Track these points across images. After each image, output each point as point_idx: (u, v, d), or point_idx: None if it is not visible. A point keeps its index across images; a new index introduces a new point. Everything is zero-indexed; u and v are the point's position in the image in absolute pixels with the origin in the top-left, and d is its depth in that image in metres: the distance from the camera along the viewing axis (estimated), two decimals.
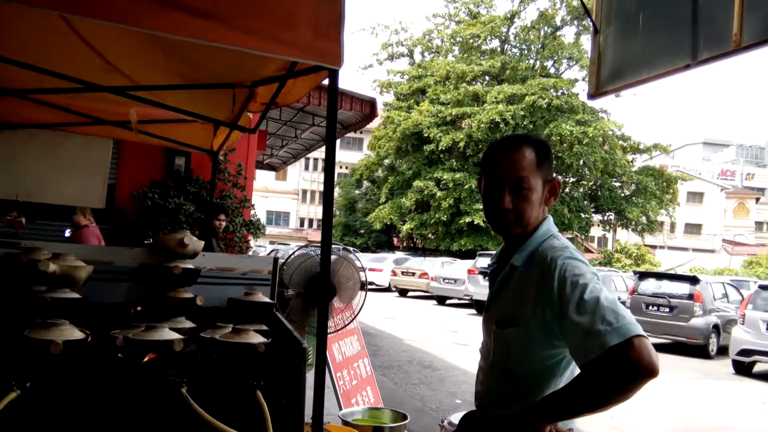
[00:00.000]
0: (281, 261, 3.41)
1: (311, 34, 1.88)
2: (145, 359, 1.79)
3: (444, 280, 19.27)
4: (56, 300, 1.89)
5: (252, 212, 8.33)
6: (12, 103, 3.86)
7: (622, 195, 30.81)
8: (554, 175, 1.68)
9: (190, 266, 2.44)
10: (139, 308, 2.33)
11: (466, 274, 18.13)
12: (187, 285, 2.44)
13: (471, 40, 32.77)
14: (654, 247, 40.16)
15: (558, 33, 32.41)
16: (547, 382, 1.55)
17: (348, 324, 4.36)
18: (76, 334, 1.71)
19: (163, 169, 7.36)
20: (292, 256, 3.89)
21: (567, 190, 30.74)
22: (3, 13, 2.69)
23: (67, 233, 6.61)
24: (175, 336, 1.84)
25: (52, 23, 2.84)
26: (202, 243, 2.55)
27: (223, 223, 6.12)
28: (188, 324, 2.29)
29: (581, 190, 30.94)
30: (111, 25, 1.81)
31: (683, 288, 12.53)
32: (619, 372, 1.32)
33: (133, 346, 1.80)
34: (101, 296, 2.35)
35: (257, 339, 1.90)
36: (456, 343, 11.10)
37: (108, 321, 2.05)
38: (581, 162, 27.65)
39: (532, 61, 32.71)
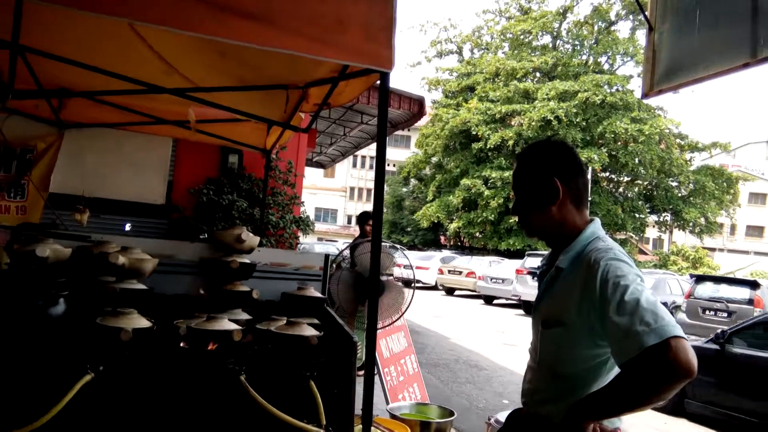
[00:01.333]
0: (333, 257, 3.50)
1: (362, 37, 1.94)
2: (211, 349, 1.89)
3: (491, 279, 19.08)
4: (125, 290, 2.02)
5: (302, 209, 8.49)
6: (80, 104, 4.09)
7: (679, 195, 29.74)
8: (553, 176, 1.68)
9: (247, 261, 2.55)
10: (204, 293, 2.44)
11: (515, 274, 17.91)
12: (243, 279, 2.55)
13: (522, 36, 32.30)
14: (712, 249, 38.59)
15: (612, 28, 31.56)
16: (592, 381, 1.57)
17: (395, 321, 4.41)
18: (144, 323, 1.83)
19: (218, 166, 7.59)
20: (363, 244, 3.98)
21: (621, 189, 29.92)
22: (73, 20, 2.86)
23: (128, 227, 6.92)
24: (234, 327, 1.93)
25: (119, 29, 3.01)
26: (258, 239, 2.66)
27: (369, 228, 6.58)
28: (245, 316, 2.41)
29: (636, 189, 30.05)
30: (173, 31, 1.91)
31: (743, 293, 12.04)
32: (656, 372, 1.34)
33: (195, 335, 1.90)
34: (165, 288, 2.48)
35: (310, 332, 1.98)
36: (503, 344, 11.01)
37: (172, 311, 2.17)
38: (636, 161, 26.86)
39: (585, 57, 31.98)
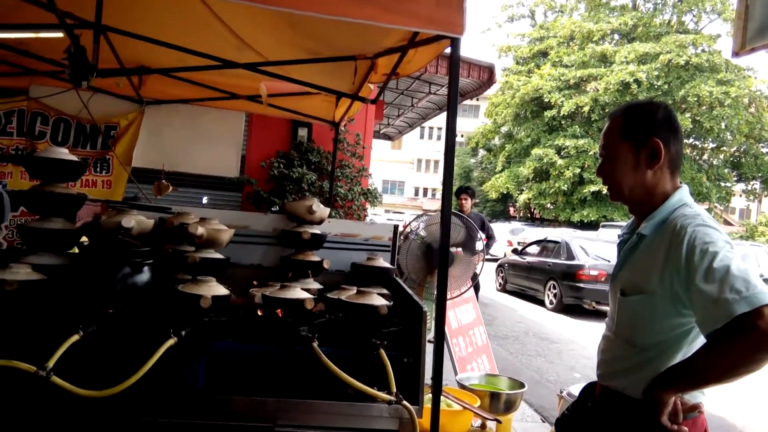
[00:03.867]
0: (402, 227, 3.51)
1: (433, 3, 1.90)
2: (284, 316, 1.95)
3: None
4: (204, 260, 2.10)
5: (370, 181, 8.54)
6: (158, 81, 4.26)
7: None
8: (656, 136, 1.60)
9: (318, 232, 2.60)
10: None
11: None
12: (314, 249, 2.60)
13: None
14: None
15: None
16: (672, 352, 1.51)
17: (464, 292, 4.40)
18: (222, 291, 1.91)
19: (288, 140, 7.73)
20: (431, 215, 3.99)
21: (705, 156, 28.23)
22: None
23: (205, 200, 7.22)
24: (306, 295, 1.98)
25: (193, 5, 3.09)
26: (328, 210, 2.70)
27: (466, 202, 6.96)
28: (316, 285, 2.46)
29: (722, 156, 28.24)
30: (246, 4, 1.93)
31: None
32: (747, 341, 1.28)
33: (270, 302, 1.97)
34: (240, 257, 2.58)
35: (380, 301, 2.00)
36: (575, 317, 10.76)
37: (247, 279, 2.25)
38: (722, 125, 25.19)
39: (667, 17, 30.03)
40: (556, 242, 12.46)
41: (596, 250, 11.84)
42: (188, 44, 3.32)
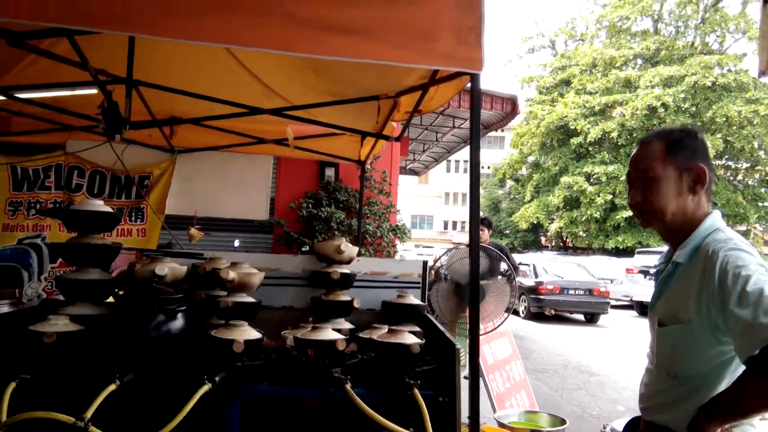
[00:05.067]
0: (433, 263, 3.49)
1: (452, 41, 1.93)
2: (317, 358, 1.95)
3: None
4: (236, 304, 2.12)
5: (398, 217, 8.56)
6: (188, 130, 4.39)
7: None
8: (700, 162, 1.59)
9: (347, 271, 2.61)
10: (311, 318, 2.51)
11: (625, 273, 16.97)
12: (344, 288, 2.60)
13: (619, 23, 30.76)
14: None
15: (719, 4, 29.24)
16: (714, 383, 1.46)
17: (498, 326, 4.33)
18: (254, 334, 1.92)
19: (316, 180, 7.84)
20: (450, 253, 3.97)
21: (740, 177, 27.57)
22: (178, 51, 3.07)
23: (236, 244, 7.32)
24: (338, 336, 1.97)
25: (220, 56, 3.20)
26: (356, 249, 2.71)
27: (483, 233, 6.64)
28: (347, 325, 2.46)
29: (757, 176, 27.54)
30: (271, 52, 2.00)
31: None
32: None
33: (302, 344, 1.97)
34: (271, 300, 2.59)
35: (412, 339, 1.98)
36: (616, 348, 10.46)
37: (279, 322, 2.26)
38: (755, 145, 24.66)
39: (690, 38, 29.86)
40: (527, 265, 15.18)
41: (556, 270, 15.28)
42: (216, 93, 3.43)
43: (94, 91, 3.22)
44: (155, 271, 2.14)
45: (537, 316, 14.32)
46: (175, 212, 4.90)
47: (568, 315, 14.72)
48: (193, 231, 4.66)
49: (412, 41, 1.88)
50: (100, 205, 2.11)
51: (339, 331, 2.15)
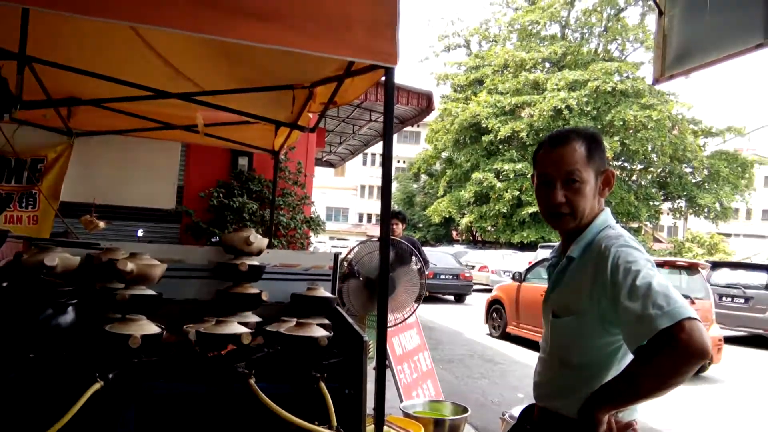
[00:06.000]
0: (343, 255, 3.49)
1: (367, 33, 1.93)
2: (220, 352, 1.89)
3: (505, 272, 19.04)
4: (134, 297, 2.02)
5: (312, 209, 8.48)
6: (89, 112, 4.11)
7: (693, 181, 29.39)
8: (607, 165, 1.69)
9: (256, 263, 2.55)
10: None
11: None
12: (252, 281, 2.54)
13: (530, 27, 32.09)
14: (728, 235, 38.08)
15: (621, 15, 31.22)
16: (604, 371, 1.55)
17: (408, 318, 4.40)
18: (153, 329, 1.83)
19: (228, 169, 7.61)
20: (356, 249, 3.97)
21: (634, 177, 29.62)
22: (79, 28, 2.87)
23: (140, 233, 6.97)
24: (243, 330, 1.93)
25: (123, 34, 3.02)
26: (266, 241, 2.65)
27: (397, 227, 6.60)
28: (254, 318, 2.41)
29: (649, 177, 29.73)
30: (177, 32, 1.91)
31: (760, 277, 11.89)
32: (670, 355, 1.32)
33: (205, 339, 1.90)
34: (174, 293, 2.49)
35: (320, 332, 1.97)
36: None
37: (181, 316, 2.17)
38: (648, 147, 26.58)
39: (594, 45, 31.69)
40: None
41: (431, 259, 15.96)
42: (120, 74, 3.23)
43: None
44: (44, 261, 1.99)
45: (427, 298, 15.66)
46: (72, 199, 4.57)
47: (441, 296, 17.49)
48: (90, 219, 4.37)
49: (326, 31, 1.86)
50: None
51: (246, 324, 2.10)
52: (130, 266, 2.02)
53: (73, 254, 2.19)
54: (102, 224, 4.45)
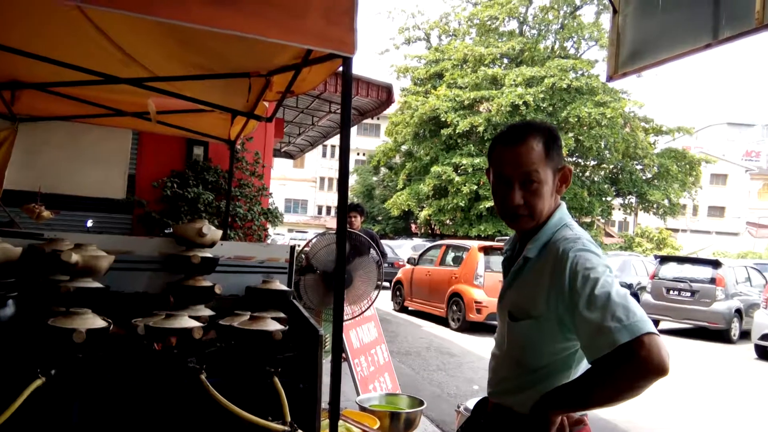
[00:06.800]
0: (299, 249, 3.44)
1: (324, 21, 1.88)
2: (170, 347, 1.83)
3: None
4: (79, 290, 1.94)
5: (270, 200, 8.36)
6: (32, 96, 3.92)
7: (644, 178, 30.34)
8: (564, 162, 1.65)
9: (209, 255, 2.48)
10: (172, 299, 2.36)
11: None
12: (205, 273, 2.48)
13: (489, 22, 32.38)
14: (676, 230, 39.57)
15: (577, 12, 31.85)
16: (560, 373, 1.54)
17: (365, 311, 4.39)
18: (99, 323, 1.76)
19: (183, 159, 7.41)
20: (312, 243, 3.92)
21: (587, 173, 30.36)
22: (22, 7, 2.73)
23: (89, 224, 6.73)
24: (195, 324, 1.87)
25: (70, 16, 2.88)
26: (220, 232, 2.59)
27: (356, 220, 6.51)
28: (207, 312, 2.34)
29: (602, 173, 30.54)
30: (126, 14, 1.83)
31: (705, 272, 12.37)
32: (629, 370, 1.31)
33: (154, 333, 1.84)
34: (122, 285, 2.40)
35: (274, 326, 1.93)
36: (475, 330, 11.10)
37: (129, 309, 2.10)
38: (601, 144, 27.26)
39: (550, 43, 32.25)
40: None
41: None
42: (67, 58, 3.08)
43: None
44: None
45: None
46: (15, 187, 4.37)
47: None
48: (34, 207, 4.19)
49: (281, 17, 1.81)
50: None
51: (198, 318, 2.05)
52: (75, 258, 1.94)
53: (15, 245, 2.09)
54: (47, 213, 4.27)
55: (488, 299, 10.81)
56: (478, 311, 10.92)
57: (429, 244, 24.87)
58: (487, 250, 11.71)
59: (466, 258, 11.83)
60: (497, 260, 11.18)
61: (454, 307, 11.48)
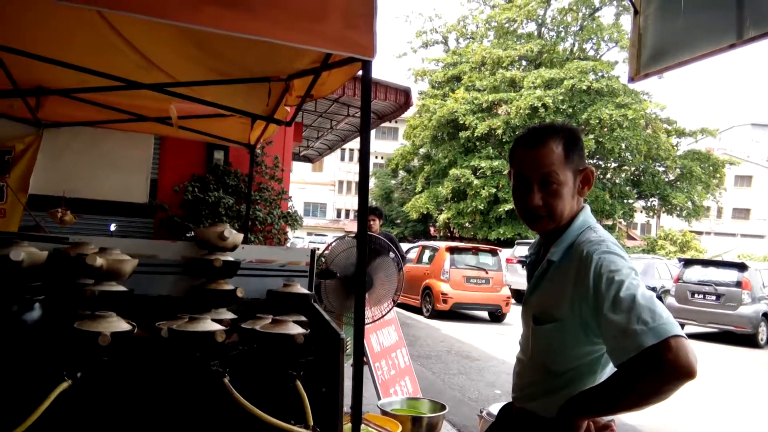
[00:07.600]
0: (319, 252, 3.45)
1: (343, 25, 1.88)
2: (194, 350, 1.83)
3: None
4: (103, 293, 1.95)
5: (289, 204, 8.40)
6: (56, 102, 4.00)
7: (666, 180, 29.94)
8: (586, 164, 1.63)
9: (231, 259, 2.49)
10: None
11: (505, 263, 17.98)
12: (227, 277, 2.49)
13: (507, 25, 32.29)
14: (700, 233, 38.96)
15: (596, 14, 31.61)
16: (586, 378, 1.52)
17: (386, 314, 4.38)
18: (123, 326, 1.77)
19: (203, 163, 7.49)
20: (331, 247, 3.93)
21: (608, 175, 30.06)
22: (46, 14, 2.78)
23: (113, 228, 6.82)
24: (217, 327, 1.87)
25: (92, 21, 2.92)
26: (241, 236, 2.60)
27: (374, 223, 6.58)
28: (229, 315, 2.35)
29: (623, 175, 30.20)
30: (145, 19, 1.84)
31: (731, 275, 12.14)
32: (655, 374, 1.29)
33: (177, 337, 1.85)
34: (146, 289, 2.42)
35: (296, 330, 1.93)
36: (495, 333, 11.03)
37: (153, 312, 2.11)
38: (623, 146, 26.99)
39: (569, 44, 32.04)
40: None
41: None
42: (90, 64, 3.14)
43: None
44: (9, 255, 1.91)
45: None
46: (41, 192, 4.45)
47: None
48: (59, 212, 4.26)
49: (300, 21, 1.80)
50: None
51: (220, 321, 2.05)
52: (99, 261, 1.96)
53: (41, 249, 2.11)
54: (71, 217, 4.33)
55: (453, 291, 12.78)
56: (444, 302, 12.78)
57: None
58: (453, 250, 13.57)
59: (436, 256, 13.62)
60: (462, 258, 13.47)
61: (427, 299, 13.44)
